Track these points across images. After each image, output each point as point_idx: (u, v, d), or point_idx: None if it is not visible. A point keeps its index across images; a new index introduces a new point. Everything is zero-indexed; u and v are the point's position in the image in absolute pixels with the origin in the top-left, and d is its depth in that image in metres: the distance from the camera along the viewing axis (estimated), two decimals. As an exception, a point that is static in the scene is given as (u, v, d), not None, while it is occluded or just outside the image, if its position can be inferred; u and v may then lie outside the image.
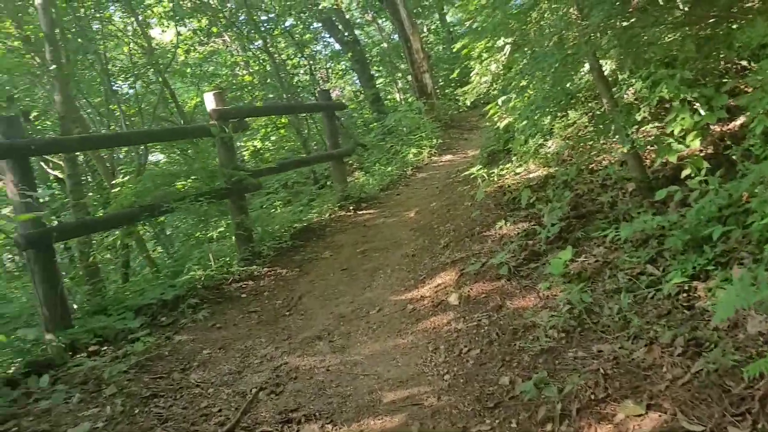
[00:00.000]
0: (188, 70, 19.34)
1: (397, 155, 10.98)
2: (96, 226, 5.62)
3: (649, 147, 4.71)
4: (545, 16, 4.89)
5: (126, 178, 6.53)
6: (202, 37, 16.05)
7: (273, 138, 17.11)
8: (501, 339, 3.36)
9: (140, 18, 11.70)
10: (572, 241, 4.40)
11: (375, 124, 14.98)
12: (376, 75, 19.51)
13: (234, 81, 17.64)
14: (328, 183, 9.59)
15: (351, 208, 7.57)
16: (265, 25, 14.46)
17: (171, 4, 14.49)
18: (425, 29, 20.04)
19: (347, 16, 18.73)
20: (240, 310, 4.90)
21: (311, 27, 17.36)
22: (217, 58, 19.91)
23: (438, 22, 21.99)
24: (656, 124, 4.85)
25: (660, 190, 3.94)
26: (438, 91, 14.71)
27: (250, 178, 5.93)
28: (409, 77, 18.68)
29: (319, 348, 3.97)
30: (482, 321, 3.65)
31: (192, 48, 16.74)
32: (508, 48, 5.49)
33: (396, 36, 22.10)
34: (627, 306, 3.11)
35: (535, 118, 4.97)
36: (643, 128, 4.98)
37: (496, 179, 6.52)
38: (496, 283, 4.11)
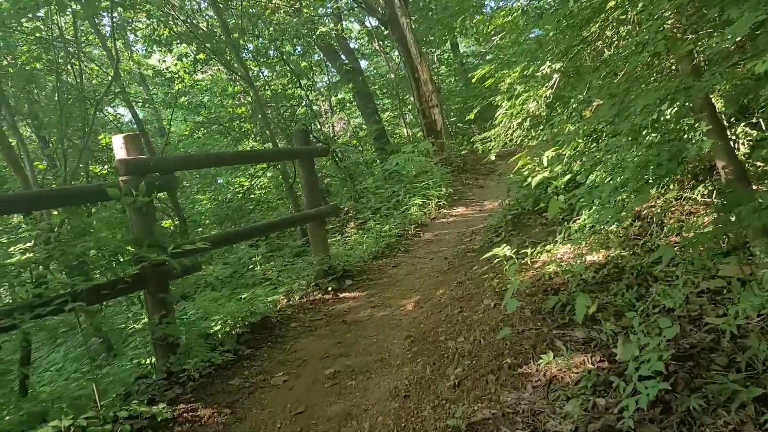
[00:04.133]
0: (183, 99, 17.88)
1: (399, 206, 9.09)
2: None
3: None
4: (620, 31, 3.02)
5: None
6: (185, 65, 14.53)
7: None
8: None
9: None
10: (681, 414, 2.48)
11: (377, 164, 13.18)
12: (382, 108, 17.76)
13: (221, 112, 16.04)
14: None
15: (330, 288, 5.65)
16: (249, 52, 12.82)
17: (150, 27, 13.04)
18: (435, 59, 18.32)
19: (352, 44, 17.12)
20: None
21: (310, 55, 15.72)
22: (212, 87, 18.46)
23: (449, 52, 20.31)
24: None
25: None
26: (449, 128, 12.90)
27: (175, 260, 4.02)
28: (417, 112, 16.96)
29: None
30: None
31: (184, 75, 15.24)
32: (556, 77, 3.62)
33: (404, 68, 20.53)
34: None
35: (621, 198, 3.05)
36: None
37: (530, 262, 4.61)
38: None
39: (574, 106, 3.43)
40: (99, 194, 3.83)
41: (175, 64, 15.04)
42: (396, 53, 20.71)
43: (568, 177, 5.29)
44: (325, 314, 5.09)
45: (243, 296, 5.81)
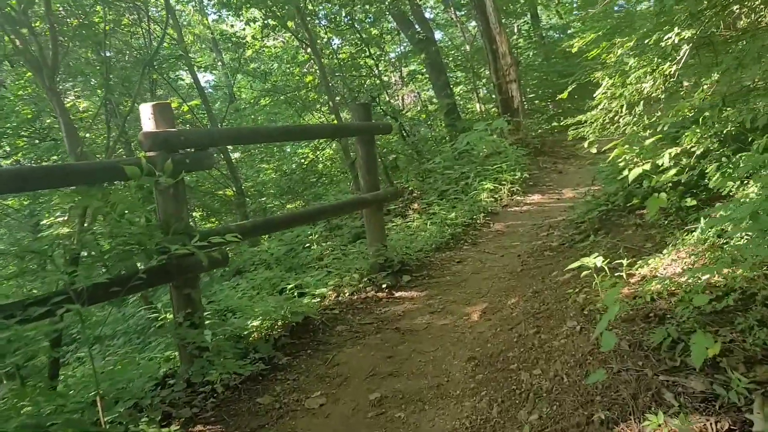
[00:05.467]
0: (252, 65, 17.56)
1: (467, 190, 8.30)
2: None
3: None
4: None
5: None
6: (255, 30, 14.05)
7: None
8: None
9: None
10: None
11: (446, 142, 12.36)
12: (455, 82, 16.79)
13: (288, 80, 15.55)
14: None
15: (385, 285, 4.99)
16: (319, 19, 12.18)
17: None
18: (515, 30, 17.12)
19: (427, 14, 16.19)
20: None
21: (381, 23, 14.94)
22: (282, 54, 18.03)
23: (529, 24, 18.98)
24: None
25: None
26: (526, 106, 11.89)
27: (202, 252, 3.44)
28: (493, 86, 15.93)
29: None
30: None
31: (253, 41, 14.84)
32: (686, 49, 2.76)
33: (481, 38, 19.40)
34: None
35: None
36: None
37: (625, 276, 3.78)
38: None
39: (709, 84, 2.57)
40: (113, 172, 3.26)
41: (243, 29, 14.62)
42: (472, 24, 19.62)
43: (674, 171, 4.38)
44: (377, 317, 4.44)
45: (289, 286, 5.25)
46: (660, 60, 3.06)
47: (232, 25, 15.47)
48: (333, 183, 15.73)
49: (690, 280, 3.29)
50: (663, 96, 3.22)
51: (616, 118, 3.61)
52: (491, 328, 3.86)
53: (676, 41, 2.79)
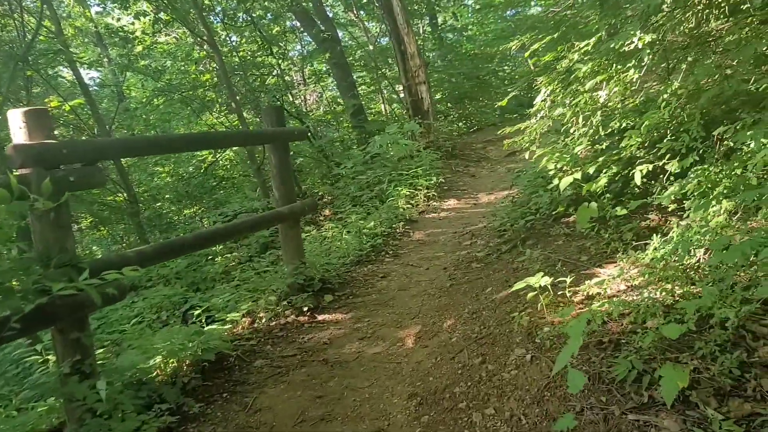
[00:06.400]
0: (143, 62, 16.29)
1: (382, 196, 7.96)
2: None
3: None
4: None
5: None
6: (144, 25, 13.02)
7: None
8: None
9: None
10: None
11: (353, 142, 12.00)
12: (360, 82, 16.49)
13: (184, 78, 14.58)
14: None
15: (306, 308, 4.53)
16: (216, 14, 11.45)
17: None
18: (420, 31, 17.06)
19: (328, 12, 15.74)
20: None
21: (283, 21, 14.35)
22: (175, 51, 16.95)
23: (429, 27, 19.04)
24: None
25: None
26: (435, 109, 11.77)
27: (93, 288, 2.83)
28: (399, 87, 15.75)
29: None
30: None
31: (143, 36, 13.76)
32: (647, 55, 2.53)
33: (384, 39, 19.18)
34: None
35: None
36: None
37: (567, 294, 3.56)
38: None
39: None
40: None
41: (132, 23, 13.50)
42: (372, 24, 19.36)
43: (604, 180, 4.24)
44: (300, 347, 3.97)
45: (196, 312, 4.66)
46: (619, 66, 2.84)
47: (118, 19, 14.26)
48: (235, 187, 14.94)
49: (642, 300, 3.10)
50: (619, 105, 3.00)
51: (569, 128, 3.37)
52: (430, 356, 3.52)
53: (639, 46, 2.56)
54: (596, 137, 3.43)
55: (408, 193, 7.70)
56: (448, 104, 15.69)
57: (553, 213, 5.22)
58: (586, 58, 3.15)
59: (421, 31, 17.09)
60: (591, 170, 4.31)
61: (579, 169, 4.27)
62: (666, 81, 2.69)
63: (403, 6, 10.49)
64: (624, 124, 3.25)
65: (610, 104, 3.03)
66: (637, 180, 3.87)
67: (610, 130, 3.27)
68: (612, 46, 2.64)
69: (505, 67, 20.13)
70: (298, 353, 3.89)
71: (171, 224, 12.65)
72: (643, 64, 2.70)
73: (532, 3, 21.08)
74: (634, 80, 2.74)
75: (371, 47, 16.88)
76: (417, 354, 3.60)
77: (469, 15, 23.80)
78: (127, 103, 15.42)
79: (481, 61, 16.31)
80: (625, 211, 4.32)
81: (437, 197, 7.99)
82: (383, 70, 16.15)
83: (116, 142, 4.19)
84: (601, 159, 3.97)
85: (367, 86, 17.67)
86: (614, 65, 2.89)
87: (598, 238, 4.36)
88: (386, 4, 10.50)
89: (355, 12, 16.83)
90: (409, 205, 7.40)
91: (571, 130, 3.47)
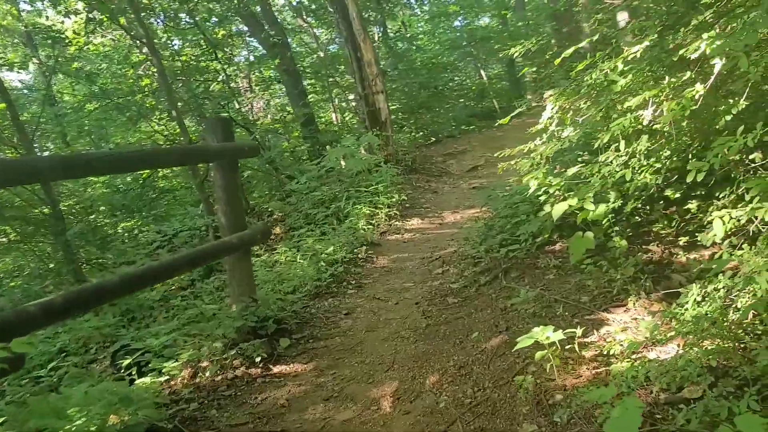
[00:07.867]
0: (75, 64, 15.12)
1: (340, 214, 7.29)
2: None
3: None
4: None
5: None
6: (77, 24, 12.01)
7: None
8: None
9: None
10: None
11: (305, 159, 11.30)
12: (311, 90, 15.81)
13: (120, 83, 13.58)
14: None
15: (258, 358, 3.81)
16: (155, 16, 10.60)
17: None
18: (376, 39, 16.53)
19: (277, 17, 15.01)
20: None
21: (229, 23, 13.56)
22: (112, 53, 15.89)
23: (380, 35, 18.60)
24: None
25: None
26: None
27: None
28: (351, 96, 15.16)
29: None
30: None
31: (74, 36, 12.73)
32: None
33: (334, 45, 18.56)
34: None
35: None
36: None
37: (577, 349, 2.99)
38: None
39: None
40: None
41: (62, 23, 12.42)
42: (321, 31, 18.73)
43: (605, 208, 3.72)
44: (253, 412, 3.26)
45: (125, 363, 3.90)
46: (673, 80, 2.30)
47: (47, 17, 13.14)
48: (177, 200, 13.98)
49: (674, 360, 2.55)
50: (670, 129, 2.45)
51: (601, 153, 2.80)
52: (414, 427, 2.87)
53: (707, 52, 2.02)
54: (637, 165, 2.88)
55: (368, 212, 7.06)
56: (401, 114, 15.18)
57: (536, 240, 4.68)
58: (626, 69, 2.61)
59: (376, 39, 16.57)
60: (612, 197, 3.78)
61: (574, 194, 3.72)
62: (725, 99, 2.18)
63: (359, 12, 9.90)
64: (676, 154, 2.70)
65: (657, 126, 2.49)
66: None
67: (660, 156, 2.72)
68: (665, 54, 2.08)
69: (456, 78, 19.88)
70: (250, 420, 3.17)
71: (105, 239, 11.60)
72: (711, 76, 2.17)
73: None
74: (696, 96, 2.21)
75: (322, 54, 16.23)
76: (397, 423, 2.94)
77: (418, 25, 23.56)
78: (57, 108, 14.23)
79: (435, 71, 15.89)
80: (624, 242, 3.81)
81: (400, 216, 7.38)
82: (335, 78, 15.51)
83: (17, 164, 3.37)
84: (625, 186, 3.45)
85: (318, 94, 17.00)
86: (666, 77, 2.36)
87: (597, 273, 3.83)
88: (341, 10, 9.88)
89: (304, 17, 16.17)
90: (370, 226, 6.76)
91: (607, 157, 2.90)
